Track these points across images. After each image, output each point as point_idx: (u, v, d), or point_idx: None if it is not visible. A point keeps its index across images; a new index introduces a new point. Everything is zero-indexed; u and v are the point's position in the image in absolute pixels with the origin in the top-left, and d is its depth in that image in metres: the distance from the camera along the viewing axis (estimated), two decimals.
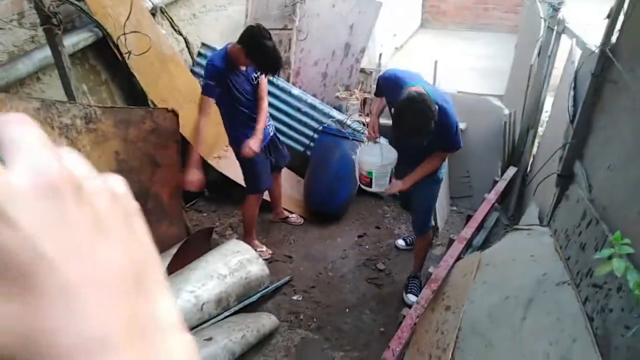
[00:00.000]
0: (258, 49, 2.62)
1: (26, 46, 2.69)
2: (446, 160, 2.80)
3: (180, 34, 3.85)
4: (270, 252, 3.44)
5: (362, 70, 4.73)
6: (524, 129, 3.80)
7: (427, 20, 8.39)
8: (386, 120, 2.90)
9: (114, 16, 3.11)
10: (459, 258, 2.51)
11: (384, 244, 3.65)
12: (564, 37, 3.20)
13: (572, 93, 2.55)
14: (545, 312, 1.84)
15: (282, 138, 4.11)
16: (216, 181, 3.77)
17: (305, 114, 4.05)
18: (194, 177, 2.84)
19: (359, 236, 3.72)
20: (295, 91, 4.07)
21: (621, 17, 2.04)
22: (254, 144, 2.90)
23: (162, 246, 2.76)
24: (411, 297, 3.03)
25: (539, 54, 3.50)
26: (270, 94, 3.94)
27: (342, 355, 2.70)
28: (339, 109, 4.25)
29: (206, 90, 2.75)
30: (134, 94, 3.38)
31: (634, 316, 1.42)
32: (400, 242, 3.61)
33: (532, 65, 3.54)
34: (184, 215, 3.16)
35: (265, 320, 2.74)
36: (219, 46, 3.41)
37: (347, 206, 3.95)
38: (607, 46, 2.10)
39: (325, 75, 4.56)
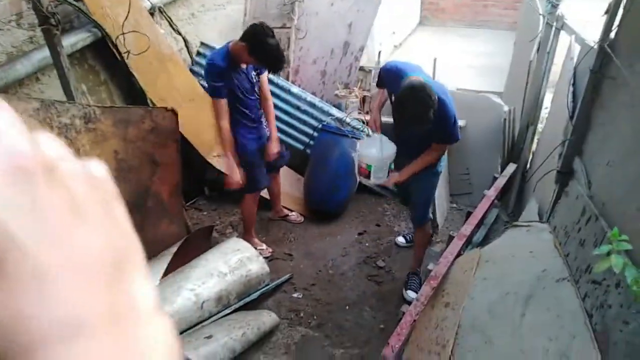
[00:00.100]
0: (262, 46, 2.61)
1: (25, 47, 2.69)
2: (445, 154, 2.83)
3: (179, 34, 3.85)
4: (271, 250, 3.45)
5: (361, 69, 4.73)
6: (523, 126, 3.80)
7: (426, 18, 8.39)
8: (387, 118, 2.94)
9: (112, 16, 3.11)
10: (458, 255, 2.52)
11: (384, 242, 3.65)
12: (562, 33, 3.20)
13: (571, 89, 2.55)
14: (544, 308, 1.85)
15: (281, 136, 4.11)
16: (216, 180, 3.78)
17: (304, 112, 4.05)
18: (239, 176, 2.95)
19: (359, 234, 3.73)
20: (295, 89, 4.07)
21: (620, 13, 2.04)
22: (274, 147, 3.08)
23: (162, 244, 2.77)
24: (411, 294, 3.04)
25: (538, 50, 3.50)
26: (274, 93, 3.95)
27: (342, 352, 2.71)
28: (338, 107, 4.25)
29: (216, 93, 2.73)
30: (133, 94, 3.39)
31: (632, 312, 1.43)
32: (400, 240, 3.61)
33: (531, 62, 3.54)
34: (184, 214, 3.16)
35: (266, 318, 2.75)
36: (218, 45, 3.41)
37: (347, 204, 3.96)
38: (605, 42, 2.10)
39: (325, 73, 4.56)
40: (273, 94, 3.93)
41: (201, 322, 2.52)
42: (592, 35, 2.37)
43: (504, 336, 1.87)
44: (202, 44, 4.02)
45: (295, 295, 3.11)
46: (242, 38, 2.69)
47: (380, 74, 2.78)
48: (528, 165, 3.75)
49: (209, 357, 2.29)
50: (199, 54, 4.01)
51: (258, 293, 2.88)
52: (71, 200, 0.23)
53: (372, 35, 4.99)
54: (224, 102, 2.76)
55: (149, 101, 3.34)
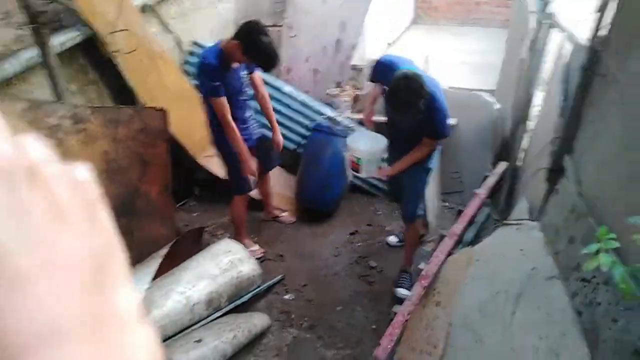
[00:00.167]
0: (255, 45, 2.57)
1: (13, 46, 2.66)
2: (437, 151, 2.86)
3: (170, 32, 3.82)
4: (262, 251, 3.43)
5: (354, 67, 4.72)
6: (514, 124, 3.80)
7: (419, 16, 8.39)
8: (380, 117, 2.99)
9: (102, 15, 3.08)
10: (449, 254, 2.52)
11: (375, 241, 3.64)
12: (554, 31, 3.21)
13: (562, 87, 2.55)
14: (535, 307, 1.85)
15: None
16: (207, 180, 3.75)
17: (296, 111, 4.04)
18: (254, 164, 2.98)
19: (351, 234, 3.72)
20: (287, 88, 4.05)
21: (610, 11, 2.04)
22: (279, 137, 3.13)
23: (152, 246, 2.74)
24: (401, 291, 3.04)
25: (529, 48, 3.50)
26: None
27: (334, 353, 2.70)
28: (330, 105, 4.24)
29: (216, 92, 2.67)
30: (124, 93, 3.36)
31: (620, 309, 1.43)
32: (392, 239, 3.60)
33: (522, 60, 3.54)
34: (175, 215, 3.14)
35: (257, 320, 2.74)
36: (209, 44, 3.38)
37: (339, 204, 3.95)
38: (596, 40, 2.10)
39: (317, 72, 4.54)
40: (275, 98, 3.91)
41: (192, 325, 2.49)
42: (583, 33, 2.37)
43: (495, 335, 1.87)
44: (194, 42, 4.00)
45: (287, 296, 3.10)
46: (235, 36, 2.64)
47: (374, 67, 2.81)
48: (519, 164, 3.75)
49: None
50: (190, 52, 3.98)
51: (249, 295, 2.86)
52: (54, 204, 0.23)
53: (364, 33, 4.98)
54: (224, 99, 2.71)
55: (139, 101, 3.31)
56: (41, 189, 0.22)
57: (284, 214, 3.82)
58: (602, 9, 2.07)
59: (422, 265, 2.55)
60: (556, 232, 2.07)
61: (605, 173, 1.90)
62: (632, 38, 1.83)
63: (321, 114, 4.03)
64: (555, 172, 2.40)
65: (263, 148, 3.20)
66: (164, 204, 2.98)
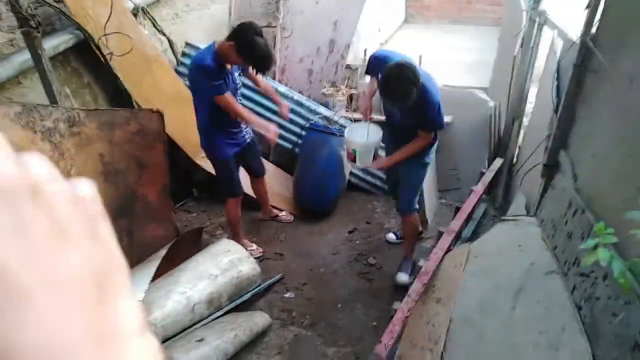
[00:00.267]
0: (250, 46, 2.57)
1: (5, 50, 2.64)
2: (434, 146, 2.91)
3: (164, 34, 3.81)
4: (261, 250, 3.44)
5: (348, 66, 4.72)
6: (509, 121, 3.83)
7: (411, 15, 8.41)
8: (379, 116, 3.08)
9: (94, 17, 3.06)
10: (448, 250, 2.53)
11: (374, 239, 3.66)
12: (546, 28, 3.23)
13: (555, 84, 2.58)
14: (534, 302, 1.87)
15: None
16: (205, 181, 3.75)
17: (292, 111, 4.03)
18: (272, 126, 2.95)
19: (350, 232, 3.73)
20: (282, 89, 4.05)
21: (600, 8, 2.06)
22: (285, 106, 3.16)
23: (151, 248, 2.74)
24: (402, 276, 3.10)
25: (522, 45, 3.53)
26: (256, 92, 3.93)
27: (335, 350, 2.71)
28: (325, 105, 4.24)
29: (220, 90, 2.66)
30: (118, 96, 3.34)
31: (620, 303, 1.45)
32: (391, 236, 3.62)
33: (515, 57, 3.57)
34: (173, 216, 3.14)
35: (258, 319, 2.74)
36: (202, 45, 3.38)
37: (337, 202, 3.96)
38: (587, 36, 2.12)
39: (311, 72, 4.55)
40: (260, 93, 3.91)
41: (193, 325, 2.50)
42: (575, 30, 2.40)
43: (495, 330, 1.89)
44: (187, 44, 3.98)
45: (287, 295, 3.10)
46: (230, 37, 2.63)
47: (370, 61, 2.87)
48: (515, 160, 3.78)
49: None
50: (184, 54, 3.97)
51: (249, 294, 2.87)
52: (55, 222, 0.23)
53: (357, 32, 4.98)
54: (229, 94, 2.70)
55: (134, 103, 3.30)
56: (43, 207, 0.23)
57: (282, 213, 3.82)
58: (593, 6, 2.09)
59: (421, 262, 2.56)
60: (554, 227, 2.09)
61: (601, 168, 1.93)
62: (622, 34, 1.85)
63: (316, 113, 4.04)
64: (551, 168, 2.42)
65: (251, 154, 3.20)
66: (162, 205, 2.98)
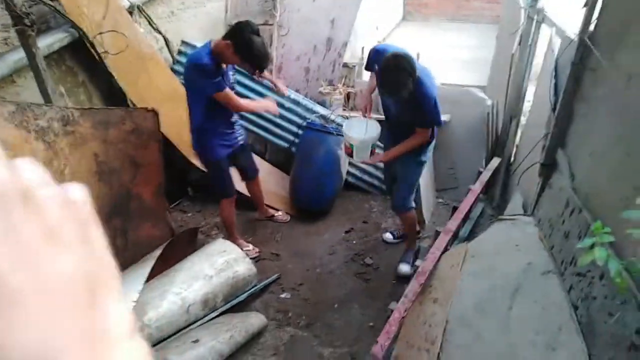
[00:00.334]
0: (247, 44, 2.55)
1: None
2: (432, 144, 2.90)
3: (159, 32, 3.78)
4: (257, 250, 3.42)
5: (345, 65, 4.71)
6: (506, 119, 3.82)
7: (409, 13, 8.40)
8: (378, 115, 3.10)
9: (89, 16, 3.04)
10: (445, 250, 2.52)
11: (371, 239, 3.64)
12: (544, 26, 3.22)
13: (553, 82, 2.56)
14: (531, 301, 1.85)
15: (265, 135, 4.09)
16: (200, 181, 3.73)
17: (288, 109, 4.02)
18: (270, 102, 3.05)
19: (346, 231, 3.71)
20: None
21: (598, 6, 2.05)
22: (283, 84, 3.20)
23: (146, 247, 2.72)
24: (403, 267, 3.13)
25: (519, 43, 3.51)
26: (253, 90, 3.91)
27: (331, 351, 2.69)
28: (322, 104, 4.23)
29: (220, 87, 2.65)
30: (113, 95, 3.32)
31: (616, 303, 1.43)
32: (388, 236, 3.60)
33: (513, 55, 3.55)
34: (168, 216, 3.12)
35: (254, 320, 2.72)
36: (199, 43, 3.36)
37: (334, 202, 3.94)
38: (585, 34, 2.11)
39: (308, 70, 4.53)
40: (256, 92, 3.90)
41: (188, 326, 2.48)
42: (573, 27, 2.38)
43: (492, 330, 1.88)
44: (183, 42, 3.96)
45: (283, 295, 3.09)
46: (226, 36, 2.62)
47: (370, 55, 2.87)
48: (512, 159, 3.77)
49: None
50: (180, 52, 3.95)
51: (245, 295, 2.85)
52: (46, 226, 0.23)
53: (355, 31, 4.97)
54: (228, 90, 2.71)
55: (129, 102, 3.28)
56: (34, 212, 0.23)
57: (278, 213, 3.80)
58: (591, 3, 2.07)
59: (418, 262, 2.55)
60: (551, 227, 2.08)
61: (599, 166, 1.91)
62: (620, 32, 1.84)
63: (313, 112, 4.02)
64: (549, 167, 2.41)
65: (243, 156, 3.19)
66: (157, 205, 2.96)
